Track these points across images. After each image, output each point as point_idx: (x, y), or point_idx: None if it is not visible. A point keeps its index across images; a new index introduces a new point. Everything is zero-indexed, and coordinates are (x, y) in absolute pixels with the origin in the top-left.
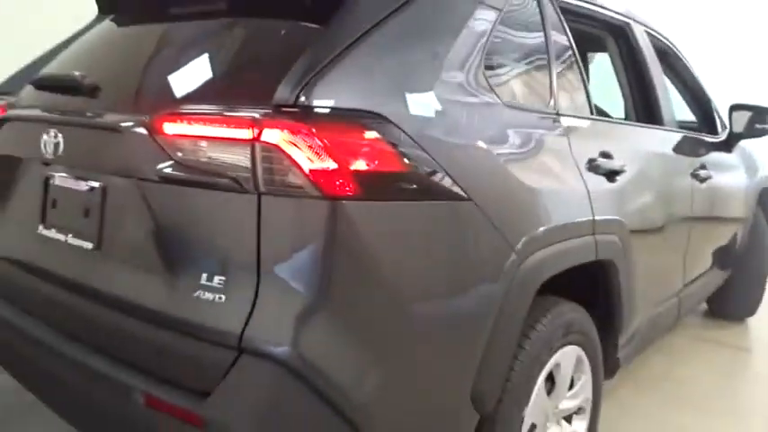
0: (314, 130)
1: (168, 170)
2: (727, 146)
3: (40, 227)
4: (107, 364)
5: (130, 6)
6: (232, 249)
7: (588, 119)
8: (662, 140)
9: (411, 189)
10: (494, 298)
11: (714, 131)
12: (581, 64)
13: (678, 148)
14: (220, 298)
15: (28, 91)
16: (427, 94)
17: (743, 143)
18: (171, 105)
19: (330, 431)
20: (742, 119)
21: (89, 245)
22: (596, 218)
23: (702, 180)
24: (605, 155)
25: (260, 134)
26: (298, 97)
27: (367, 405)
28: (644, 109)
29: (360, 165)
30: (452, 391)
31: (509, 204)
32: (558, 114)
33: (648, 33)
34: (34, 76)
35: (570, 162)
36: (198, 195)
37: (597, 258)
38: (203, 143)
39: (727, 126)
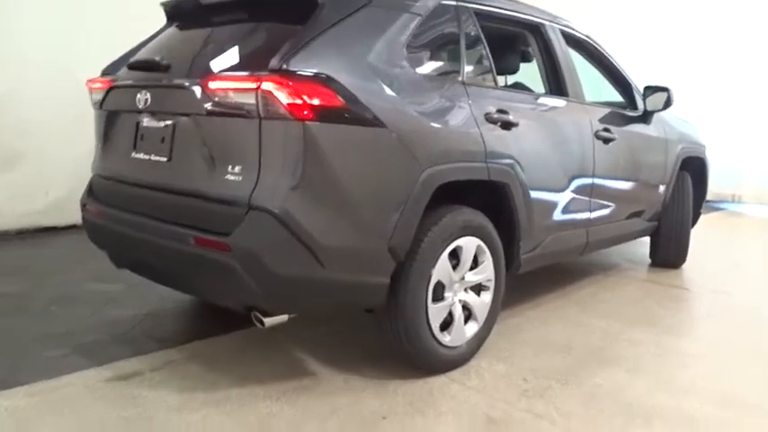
0: (290, 83)
1: (211, 108)
2: (644, 119)
3: (133, 152)
4: (174, 227)
5: (186, 18)
6: (246, 151)
7: (490, 87)
8: (561, 107)
9: (346, 117)
10: (401, 190)
11: (635, 108)
12: (488, 52)
13: (579, 114)
14: (239, 179)
15: (124, 71)
16: (361, 64)
17: (669, 120)
18: (212, 72)
19: (297, 254)
20: (654, 97)
21: (164, 159)
22: (488, 151)
23: (606, 140)
24: (502, 111)
25: (260, 85)
26: (281, 66)
27: (319, 241)
28: (553, 84)
29: (314, 101)
30: (376, 241)
31: (414, 133)
32: (464, 83)
33: (564, 32)
34: (128, 62)
35: (469, 113)
36: (227, 122)
37: (491, 179)
38: (230, 91)
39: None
